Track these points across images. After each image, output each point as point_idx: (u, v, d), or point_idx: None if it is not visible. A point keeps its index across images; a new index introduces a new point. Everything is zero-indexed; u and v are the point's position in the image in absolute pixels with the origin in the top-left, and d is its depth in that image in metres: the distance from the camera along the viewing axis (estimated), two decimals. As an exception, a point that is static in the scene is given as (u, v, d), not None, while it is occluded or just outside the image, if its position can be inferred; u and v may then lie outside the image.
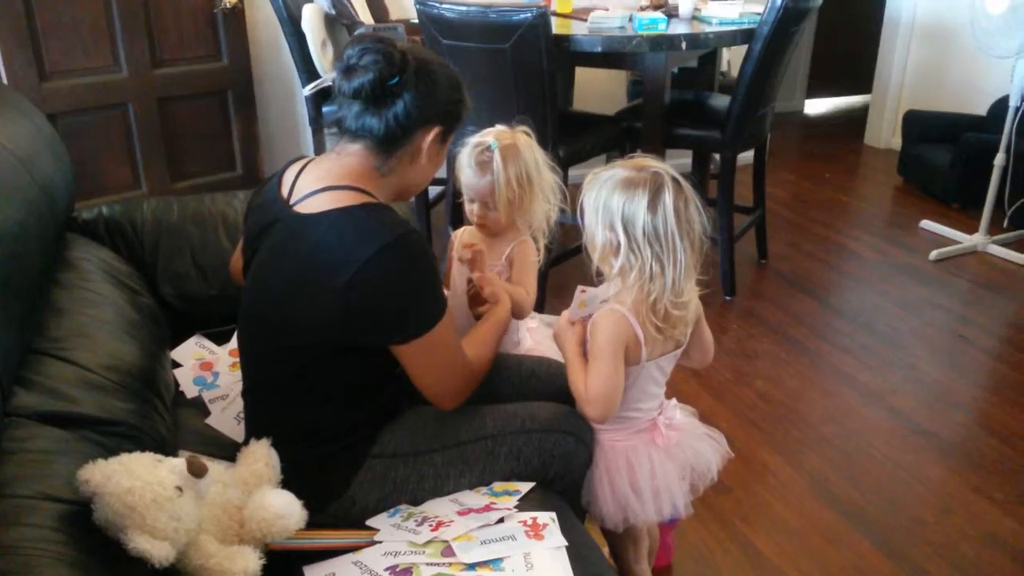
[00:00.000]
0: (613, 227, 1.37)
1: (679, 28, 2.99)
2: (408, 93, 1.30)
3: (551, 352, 1.71)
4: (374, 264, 1.23)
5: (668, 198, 1.35)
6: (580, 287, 1.56)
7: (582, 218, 1.44)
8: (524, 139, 1.69)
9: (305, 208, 1.31)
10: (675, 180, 1.38)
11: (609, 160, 3.62)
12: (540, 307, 1.70)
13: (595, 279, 1.47)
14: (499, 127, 1.71)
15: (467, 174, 1.68)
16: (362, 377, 1.36)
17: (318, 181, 1.33)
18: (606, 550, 1.66)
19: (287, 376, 1.36)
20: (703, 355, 1.57)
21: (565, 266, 3.12)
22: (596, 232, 1.40)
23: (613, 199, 1.36)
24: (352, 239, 1.25)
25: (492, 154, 1.63)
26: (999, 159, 3.59)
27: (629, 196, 1.35)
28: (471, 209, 1.72)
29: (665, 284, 1.37)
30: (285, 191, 1.37)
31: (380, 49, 1.28)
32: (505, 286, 1.63)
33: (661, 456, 1.51)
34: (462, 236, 1.84)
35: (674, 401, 1.57)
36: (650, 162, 1.41)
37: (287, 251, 1.32)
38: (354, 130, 1.33)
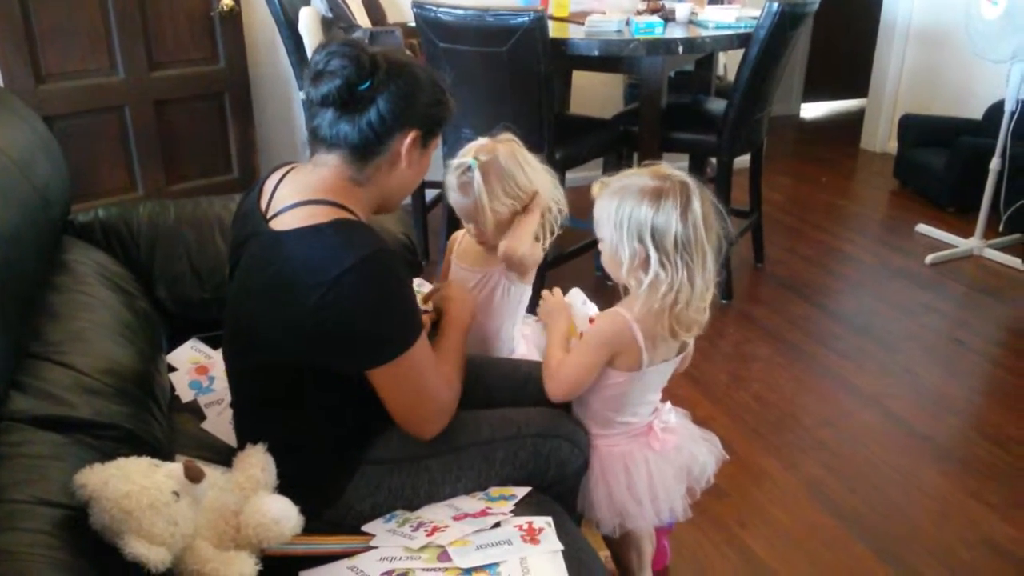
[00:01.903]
0: (642, 239, 1.32)
1: (676, 32, 2.99)
2: (381, 97, 1.26)
3: None
4: (341, 286, 1.18)
5: (698, 206, 1.32)
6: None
7: (599, 231, 1.39)
8: (505, 148, 1.63)
9: (279, 224, 1.27)
10: (699, 187, 1.34)
11: (606, 164, 3.62)
12: (534, 310, 1.69)
13: (621, 294, 1.45)
14: (480, 140, 1.66)
15: (452, 197, 1.64)
16: (348, 391, 1.32)
17: (294, 194, 1.29)
18: (603, 553, 1.66)
19: (270, 391, 1.34)
20: (682, 362, 1.55)
21: (563, 268, 3.12)
22: (622, 245, 1.34)
23: (640, 210, 1.31)
24: (320, 259, 1.20)
25: (472, 174, 1.59)
26: (994, 163, 3.60)
27: (658, 207, 1.31)
28: (468, 228, 1.69)
29: (694, 291, 1.34)
30: (264, 203, 1.34)
31: (347, 53, 1.23)
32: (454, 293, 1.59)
33: (658, 460, 1.50)
34: (463, 239, 1.83)
35: (668, 404, 1.57)
36: (670, 170, 1.37)
37: (259, 269, 1.29)
38: (329, 139, 1.29)
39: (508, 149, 1.63)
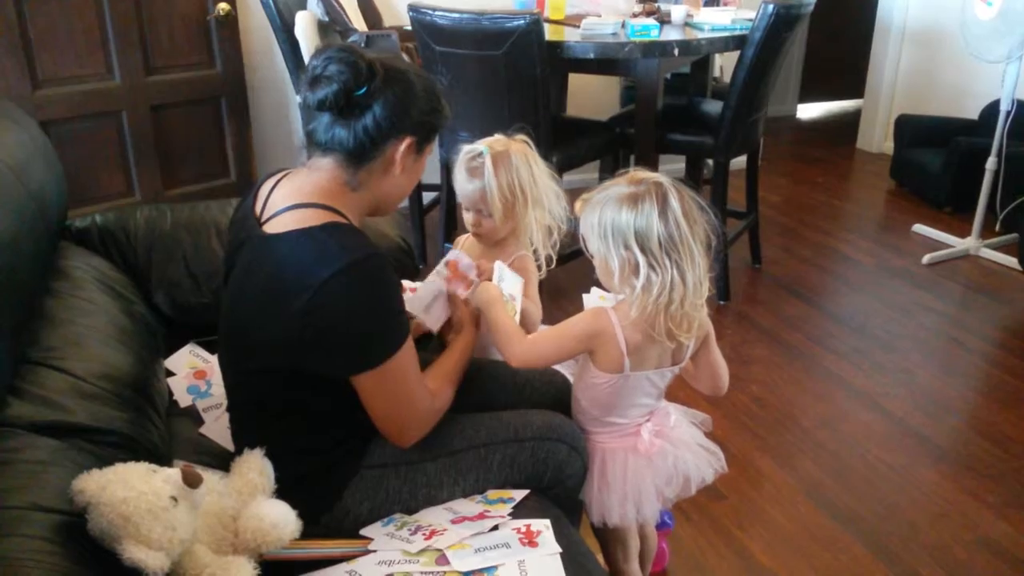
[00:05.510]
0: (628, 246, 1.33)
1: (672, 34, 3.00)
2: (377, 104, 1.27)
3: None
4: (329, 288, 1.19)
5: (675, 203, 1.33)
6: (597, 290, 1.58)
7: (586, 245, 1.41)
8: (519, 146, 1.68)
9: (272, 227, 1.27)
10: (675, 185, 1.37)
11: (603, 166, 3.63)
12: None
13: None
14: (496, 135, 1.70)
15: (459, 180, 1.67)
16: (344, 395, 1.30)
17: (288, 198, 1.30)
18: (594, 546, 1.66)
19: (265, 396, 1.34)
20: (714, 381, 1.54)
21: (561, 270, 3.12)
22: (610, 255, 1.36)
23: (621, 217, 1.33)
24: (310, 262, 1.21)
25: (483, 160, 1.62)
26: (991, 163, 3.60)
27: (637, 211, 1.32)
28: (467, 218, 1.71)
29: (687, 288, 1.35)
30: (259, 207, 1.34)
31: (345, 59, 1.24)
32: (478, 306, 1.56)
33: (640, 462, 1.51)
34: (463, 244, 1.84)
35: (668, 409, 1.57)
36: (644, 173, 1.40)
37: (253, 272, 1.29)
38: (324, 143, 1.29)
39: (521, 147, 1.68)
